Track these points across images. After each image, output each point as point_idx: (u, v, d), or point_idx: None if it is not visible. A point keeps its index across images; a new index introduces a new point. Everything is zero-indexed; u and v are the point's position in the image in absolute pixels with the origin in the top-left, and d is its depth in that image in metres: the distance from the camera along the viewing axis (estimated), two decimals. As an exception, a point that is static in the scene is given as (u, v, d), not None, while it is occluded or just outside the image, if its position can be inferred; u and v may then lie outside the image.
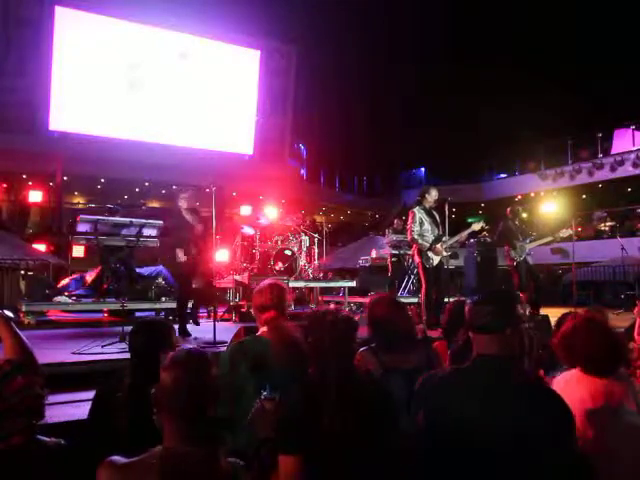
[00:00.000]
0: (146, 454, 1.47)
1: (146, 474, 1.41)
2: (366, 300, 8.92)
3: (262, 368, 2.26)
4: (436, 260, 6.21)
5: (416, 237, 6.17)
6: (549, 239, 7.35)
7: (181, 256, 5.89)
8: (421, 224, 6.23)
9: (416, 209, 6.32)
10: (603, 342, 2.13)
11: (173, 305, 6.59)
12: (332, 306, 2.64)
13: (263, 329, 2.51)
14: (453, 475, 1.65)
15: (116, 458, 1.47)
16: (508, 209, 7.52)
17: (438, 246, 6.18)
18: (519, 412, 1.65)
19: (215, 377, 1.54)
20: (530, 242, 7.16)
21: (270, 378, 2.13)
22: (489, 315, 1.77)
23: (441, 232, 6.35)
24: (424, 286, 6.22)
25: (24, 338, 2.06)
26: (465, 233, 6.78)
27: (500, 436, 1.62)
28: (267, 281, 2.70)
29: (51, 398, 1.87)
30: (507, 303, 1.83)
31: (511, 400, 1.67)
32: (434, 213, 6.41)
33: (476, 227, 6.77)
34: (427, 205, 6.35)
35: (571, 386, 2.11)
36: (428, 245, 6.16)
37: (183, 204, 6.08)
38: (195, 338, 5.67)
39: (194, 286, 6.37)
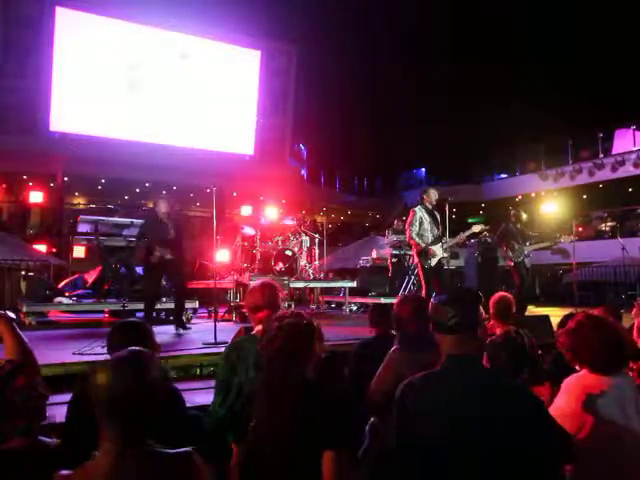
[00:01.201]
0: (88, 462, 1.46)
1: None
2: (366, 300, 9.00)
3: (258, 365, 2.27)
4: (434, 260, 6.20)
5: (414, 236, 6.18)
6: (549, 244, 7.42)
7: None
8: (421, 223, 6.23)
9: (417, 208, 6.34)
10: (607, 340, 2.14)
11: (173, 305, 6.60)
12: (292, 309, 2.70)
13: (258, 328, 2.54)
14: (441, 476, 1.64)
15: (64, 472, 1.45)
16: (512, 212, 7.54)
17: (434, 248, 6.18)
18: (505, 411, 1.64)
19: (152, 380, 1.50)
20: (530, 245, 7.21)
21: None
22: (459, 315, 1.73)
23: (441, 232, 6.35)
24: (424, 286, 6.21)
25: (25, 339, 2.07)
26: (465, 235, 6.79)
27: (488, 435, 1.61)
28: (259, 281, 2.77)
29: (54, 398, 1.87)
30: (474, 303, 1.81)
31: (495, 399, 1.66)
32: (435, 213, 6.42)
33: (476, 229, 6.80)
34: (428, 205, 6.37)
35: (579, 384, 2.12)
36: (424, 245, 6.17)
37: (161, 208, 6.14)
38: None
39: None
